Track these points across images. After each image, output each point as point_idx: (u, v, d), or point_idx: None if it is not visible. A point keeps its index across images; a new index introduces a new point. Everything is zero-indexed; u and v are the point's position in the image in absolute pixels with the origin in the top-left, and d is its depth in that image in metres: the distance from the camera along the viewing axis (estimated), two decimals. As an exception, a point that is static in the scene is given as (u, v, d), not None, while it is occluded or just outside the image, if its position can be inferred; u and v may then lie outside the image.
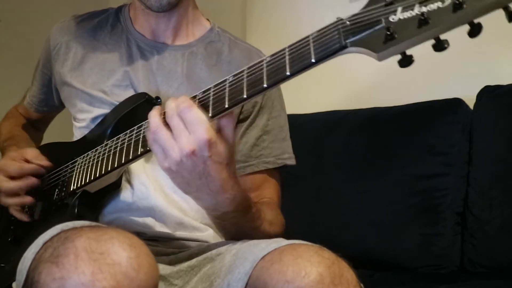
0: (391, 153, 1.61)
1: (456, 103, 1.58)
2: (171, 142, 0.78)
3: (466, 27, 0.63)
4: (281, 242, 0.79)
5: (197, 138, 0.76)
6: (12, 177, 1.06)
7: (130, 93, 1.06)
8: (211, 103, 0.80)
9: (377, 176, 1.61)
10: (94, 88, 1.10)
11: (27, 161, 1.07)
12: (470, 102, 1.58)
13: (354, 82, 1.97)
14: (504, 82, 1.56)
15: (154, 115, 0.81)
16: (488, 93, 1.55)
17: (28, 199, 1.06)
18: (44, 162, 1.07)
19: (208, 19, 1.19)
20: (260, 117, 1.11)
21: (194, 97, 0.82)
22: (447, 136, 1.55)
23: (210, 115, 0.79)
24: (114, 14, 1.19)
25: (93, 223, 0.83)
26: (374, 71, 1.88)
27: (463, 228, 1.50)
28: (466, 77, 1.73)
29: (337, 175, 1.68)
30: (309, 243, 0.78)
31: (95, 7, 1.25)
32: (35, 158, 1.07)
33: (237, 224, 0.92)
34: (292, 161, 1.14)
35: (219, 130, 0.81)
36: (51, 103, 1.27)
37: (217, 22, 1.20)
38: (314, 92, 2.03)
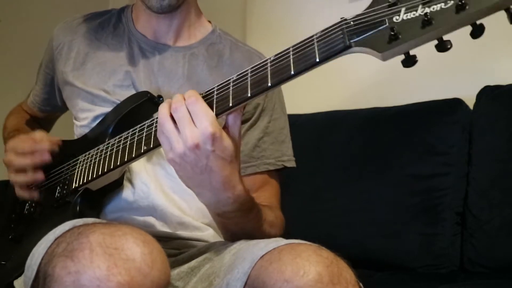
0: (391, 153, 1.61)
1: (456, 103, 1.58)
2: (176, 134, 0.78)
3: (468, 28, 0.63)
4: (280, 241, 0.79)
5: (201, 132, 0.76)
6: (24, 155, 1.05)
7: (131, 93, 1.06)
8: (214, 101, 0.81)
9: (377, 176, 1.61)
10: (96, 87, 1.10)
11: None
12: (470, 102, 1.58)
13: (354, 82, 1.97)
14: (504, 82, 1.56)
15: (163, 107, 0.81)
16: (488, 93, 1.55)
17: (40, 175, 1.06)
18: (55, 139, 1.07)
19: (210, 21, 1.20)
20: (261, 119, 1.11)
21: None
22: (447, 136, 1.55)
23: (214, 112, 0.79)
24: (116, 14, 1.19)
25: (104, 220, 0.83)
26: (374, 71, 1.88)
27: (462, 228, 1.51)
28: (466, 77, 1.73)
29: (337, 175, 1.68)
30: (308, 243, 0.78)
31: (95, 7, 1.25)
32: (44, 138, 1.07)
33: (239, 224, 0.91)
34: (291, 164, 1.14)
35: (225, 127, 0.81)
36: (53, 103, 1.27)
37: (217, 22, 1.20)
38: (314, 92, 2.03)
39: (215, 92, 0.82)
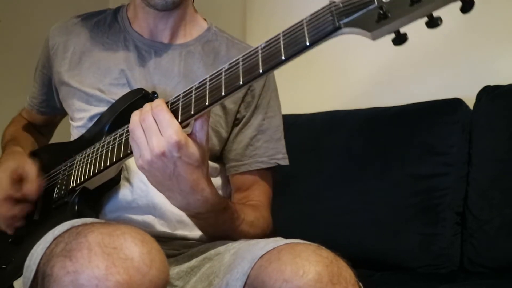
0: (391, 153, 1.61)
1: (456, 103, 1.58)
2: (145, 142, 0.81)
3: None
4: (280, 241, 0.79)
5: (166, 140, 0.80)
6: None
7: (126, 91, 1.06)
8: (207, 91, 0.81)
9: (377, 176, 1.61)
10: (91, 87, 1.10)
11: (22, 178, 1.06)
12: (470, 102, 1.58)
13: (354, 82, 1.96)
14: (504, 82, 1.56)
15: (135, 114, 0.84)
16: (488, 93, 1.55)
17: (20, 223, 1.06)
18: (41, 183, 1.07)
19: (205, 19, 1.20)
20: (255, 116, 1.11)
21: (190, 88, 0.84)
22: (446, 136, 1.55)
23: (207, 103, 0.81)
24: (112, 14, 1.19)
25: (102, 220, 0.83)
26: (374, 71, 1.88)
27: (462, 228, 1.51)
28: (466, 77, 1.72)
29: (337, 175, 1.68)
30: (308, 242, 0.78)
31: (95, 7, 1.25)
32: (33, 179, 1.06)
33: (213, 225, 0.95)
34: (285, 161, 1.14)
35: (192, 133, 0.83)
36: (52, 104, 1.26)
37: (217, 22, 1.20)
38: (314, 92, 2.02)
39: (208, 82, 0.82)
